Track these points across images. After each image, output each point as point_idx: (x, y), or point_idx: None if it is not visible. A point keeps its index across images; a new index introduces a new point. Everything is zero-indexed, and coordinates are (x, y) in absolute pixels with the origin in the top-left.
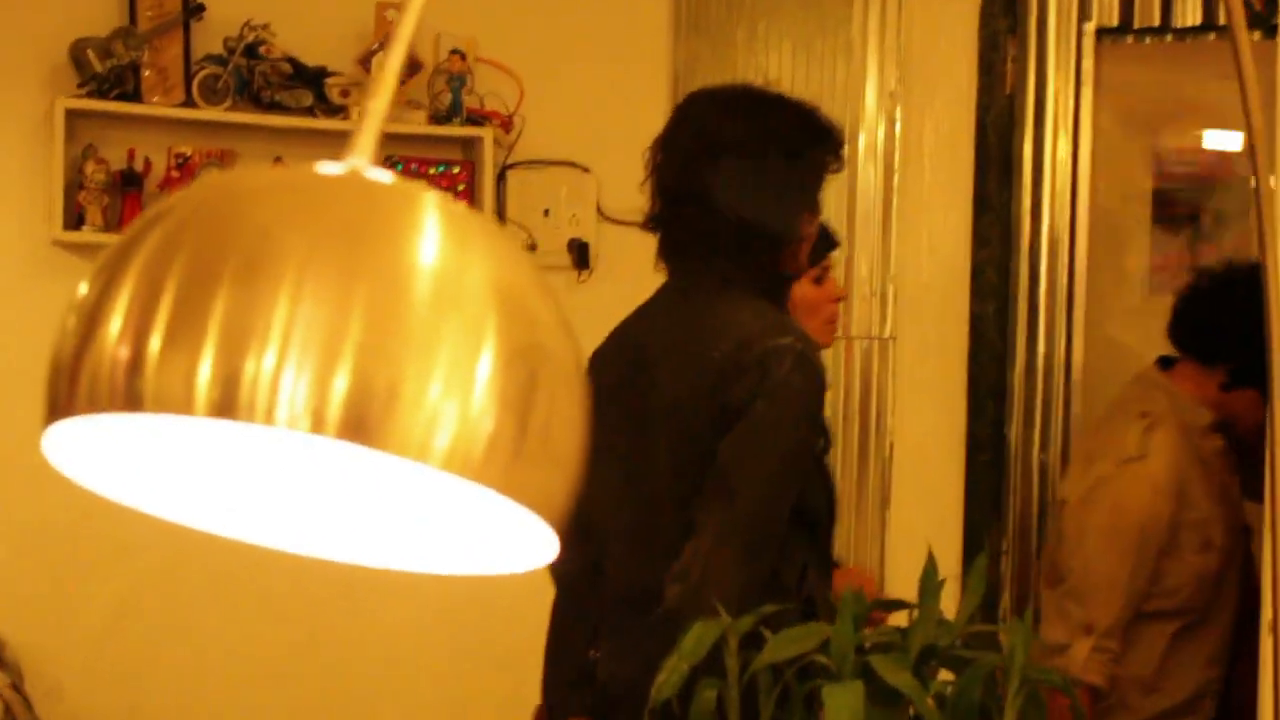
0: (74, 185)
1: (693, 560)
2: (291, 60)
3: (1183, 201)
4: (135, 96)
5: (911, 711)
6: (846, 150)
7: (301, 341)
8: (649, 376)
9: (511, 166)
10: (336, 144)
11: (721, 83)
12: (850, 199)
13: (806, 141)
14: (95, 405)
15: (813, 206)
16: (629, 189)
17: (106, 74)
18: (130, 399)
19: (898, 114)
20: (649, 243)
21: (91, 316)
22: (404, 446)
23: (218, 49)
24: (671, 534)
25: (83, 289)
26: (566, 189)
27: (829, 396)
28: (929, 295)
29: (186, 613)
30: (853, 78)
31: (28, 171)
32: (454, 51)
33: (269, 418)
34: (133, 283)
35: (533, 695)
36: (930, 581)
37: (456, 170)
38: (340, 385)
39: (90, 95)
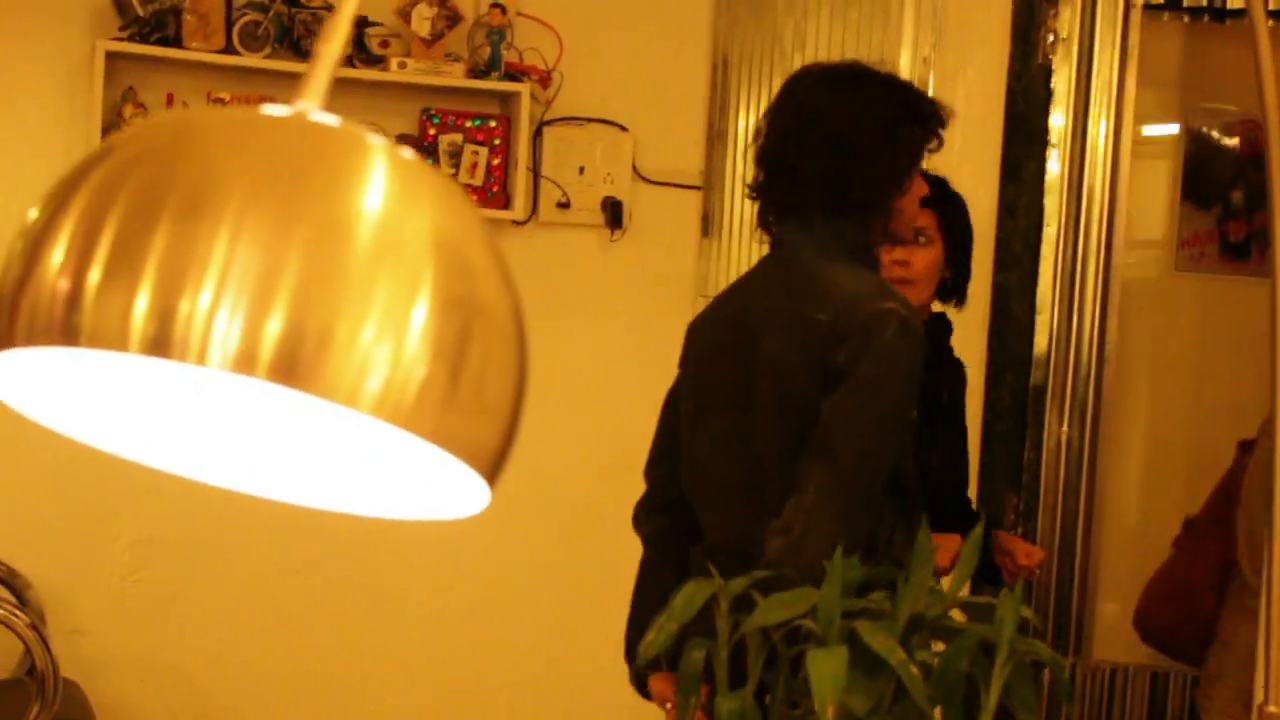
0: (112, 128)
1: (794, 516)
2: (331, 9)
3: (1212, 179)
4: (176, 41)
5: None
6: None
7: (237, 282)
8: (752, 340)
9: (549, 123)
10: (375, 94)
11: (833, 60)
12: None
13: (901, 119)
14: (34, 338)
15: (901, 182)
16: (666, 149)
17: (148, 18)
18: (67, 332)
19: (930, 79)
20: (683, 205)
21: (34, 247)
22: (334, 391)
23: None
24: (773, 492)
25: (32, 214)
26: (602, 147)
27: None
28: None
29: (207, 557)
30: (889, 42)
31: (67, 113)
32: (494, 5)
33: (201, 357)
34: (76, 215)
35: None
36: (923, 551)
37: (493, 124)
38: (273, 327)
39: (131, 38)
